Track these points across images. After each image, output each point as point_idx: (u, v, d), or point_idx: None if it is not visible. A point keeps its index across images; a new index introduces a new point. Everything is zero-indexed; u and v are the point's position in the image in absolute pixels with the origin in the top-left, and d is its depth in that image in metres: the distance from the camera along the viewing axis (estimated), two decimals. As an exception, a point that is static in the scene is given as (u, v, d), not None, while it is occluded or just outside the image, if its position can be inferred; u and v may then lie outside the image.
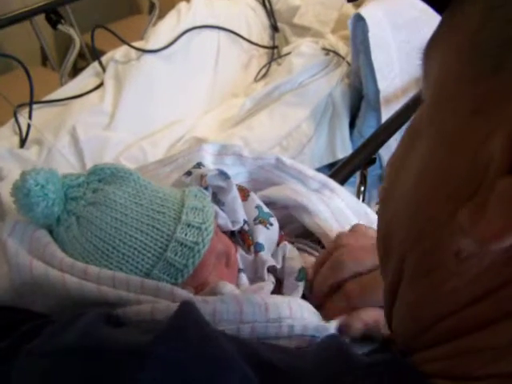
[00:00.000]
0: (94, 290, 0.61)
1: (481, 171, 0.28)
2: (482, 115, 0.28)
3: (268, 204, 0.91)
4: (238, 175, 0.92)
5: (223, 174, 0.80)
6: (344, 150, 1.59)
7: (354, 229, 0.74)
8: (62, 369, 0.42)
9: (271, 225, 0.81)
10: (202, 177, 0.79)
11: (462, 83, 0.30)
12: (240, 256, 0.78)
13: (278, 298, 0.66)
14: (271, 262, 0.75)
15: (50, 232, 0.69)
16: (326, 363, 0.44)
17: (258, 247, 0.78)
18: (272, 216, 0.83)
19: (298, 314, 0.64)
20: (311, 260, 0.80)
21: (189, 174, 0.81)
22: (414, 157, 0.35)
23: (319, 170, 1.55)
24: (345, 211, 0.87)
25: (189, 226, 0.68)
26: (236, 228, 0.80)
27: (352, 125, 1.67)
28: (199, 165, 0.83)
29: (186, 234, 0.67)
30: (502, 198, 0.26)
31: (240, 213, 0.81)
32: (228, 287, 0.67)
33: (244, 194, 0.84)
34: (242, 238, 0.81)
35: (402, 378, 0.36)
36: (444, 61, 0.33)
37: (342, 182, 1.17)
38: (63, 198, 0.67)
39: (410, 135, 0.37)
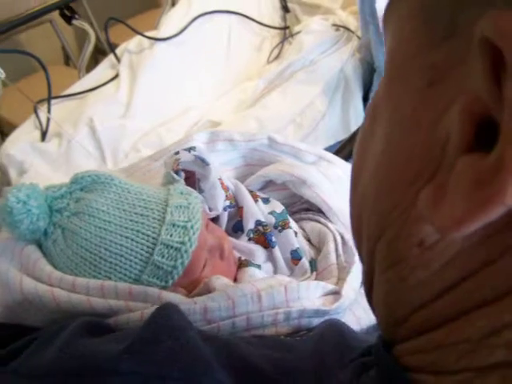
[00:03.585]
0: (83, 301, 0.59)
1: (439, 150, 0.24)
2: (438, 87, 0.25)
3: (267, 183, 0.89)
4: (232, 161, 0.89)
5: (201, 160, 0.77)
6: (358, 124, 1.52)
7: None
8: None
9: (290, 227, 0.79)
10: (175, 161, 0.75)
11: (414, 52, 0.27)
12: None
13: (272, 280, 0.63)
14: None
15: (40, 246, 0.67)
16: (319, 360, 0.43)
17: (297, 255, 0.76)
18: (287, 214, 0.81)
19: (295, 295, 0.62)
20: (325, 230, 0.79)
21: (177, 153, 0.77)
22: (375, 137, 0.31)
23: (334, 145, 1.53)
24: (344, 180, 0.85)
25: (174, 225, 0.65)
26: (213, 215, 0.77)
27: (366, 99, 1.62)
28: (191, 149, 0.79)
29: (171, 235, 0.65)
30: (461, 179, 0.22)
31: (219, 201, 0.78)
32: (220, 281, 0.65)
33: (254, 197, 0.82)
34: (255, 239, 0.78)
35: (386, 374, 0.32)
36: (396, 28, 0.29)
37: (350, 155, 1.14)
38: (48, 212, 0.65)
39: (371, 113, 0.33)
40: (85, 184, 0.67)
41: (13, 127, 1.58)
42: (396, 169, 0.28)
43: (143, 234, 0.64)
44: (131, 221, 0.65)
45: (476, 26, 0.21)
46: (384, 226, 0.30)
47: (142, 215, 0.65)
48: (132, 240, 0.64)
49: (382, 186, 0.30)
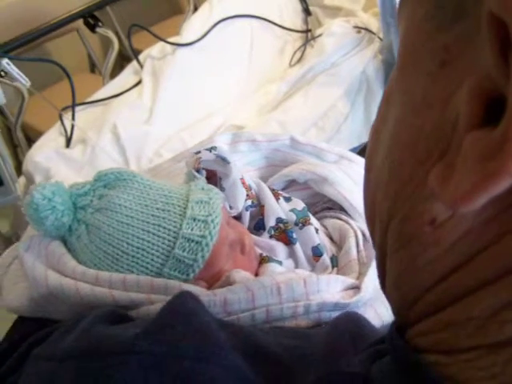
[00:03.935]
0: (106, 294, 0.61)
1: (449, 130, 0.25)
2: (449, 68, 0.25)
3: (290, 183, 0.90)
4: (255, 161, 0.90)
5: (221, 159, 0.78)
6: (381, 126, 1.53)
7: None
8: (62, 371, 0.43)
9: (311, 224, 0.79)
10: (197, 160, 0.77)
11: (425, 36, 0.28)
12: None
13: (292, 274, 0.64)
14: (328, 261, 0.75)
15: (65, 242, 0.69)
16: (332, 346, 0.44)
17: (318, 252, 0.76)
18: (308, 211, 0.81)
19: (315, 288, 0.62)
20: (346, 227, 0.79)
21: (198, 153, 0.79)
22: (388, 122, 0.32)
23: (357, 147, 1.53)
24: None
25: (194, 220, 0.66)
26: (233, 213, 0.78)
27: (389, 100, 1.62)
28: (212, 148, 0.80)
29: (192, 229, 0.66)
30: (469, 153, 0.22)
31: (240, 199, 0.79)
32: (240, 274, 0.66)
33: (276, 195, 0.83)
34: (276, 237, 0.79)
35: (399, 358, 0.33)
36: (408, 15, 0.30)
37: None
38: (72, 208, 0.67)
39: (384, 100, 0.34)
40: (108, 181, 0.69)
41: (40, 134, 1.61)
42: (407, 149, 0.29)
43: (164, 228, 0.66)
44: (153, 215, 0.66)
45: (484, 4, 0.22)
46: (396, 207, 0.31)
47: (163, 210, 0.67)
48: (153, 234, 0.66)
49: (393, 167, 0.31)
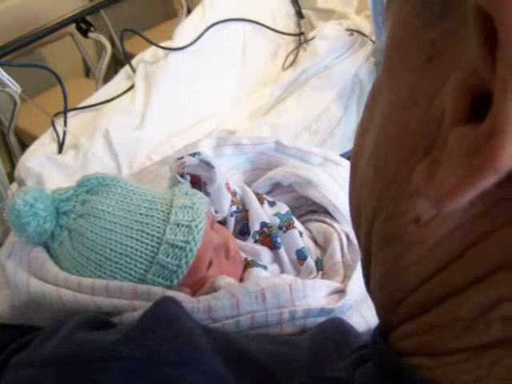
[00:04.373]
0: (88, 301, 0.61)
1: (435, 125, 0.25)
2: (436, 63, 0.25)
3: (274, 186, 0.90)
4: (240, 165, 0.91)
5: (206, 164, 0.78)
6: (375, 128, 1.53)
7: None
8: (42, 378, 0.43)
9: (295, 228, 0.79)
10: (180, 165, 0.77)
11: (412, 32, 0.28)
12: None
13: (277, 280, 0.64)
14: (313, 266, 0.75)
15: (48, 249, 0.69)
16: (315, 352, 0.44)
17: (303, 255, 0.77)
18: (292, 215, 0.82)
19: (301, 294, 0.62)
20: (330, 230, 0.79)
21: (181, 158, 0.79)
22: (373, 120, 0.32)
23: (349, 150, 1.53)
24: None
25: (178, 225, 0.66)
26: (219, 217, 0.78)
27: (382, 103, 1.62)
28: (195, 154, 0.80)
29: (175, 235, 0.66)
30: (455, 149, 0.22)
31: (225, 203, 0.79)
32: (225, 280, 0.66)
33: (260, 199, 0.83)
34: (261, 241, 0.79)
35: (382, 361, 0.32)
36: (396, 12, 0.30)
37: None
38: (55, 214, 0.67)
39: (370, 98, 0.34)
40: (90, 186, 0.69)
41: (34, 139, 1.62)
42: (393, 145, 0.29)
43: (148, 233, 0.66)
44: (136, 221, 0.66)
45: None
46: (380, 206, 0.30)
47: (146, 215, 0.67)
48: (137, 240, 0.66)
49: (378, 165, 0.31)
